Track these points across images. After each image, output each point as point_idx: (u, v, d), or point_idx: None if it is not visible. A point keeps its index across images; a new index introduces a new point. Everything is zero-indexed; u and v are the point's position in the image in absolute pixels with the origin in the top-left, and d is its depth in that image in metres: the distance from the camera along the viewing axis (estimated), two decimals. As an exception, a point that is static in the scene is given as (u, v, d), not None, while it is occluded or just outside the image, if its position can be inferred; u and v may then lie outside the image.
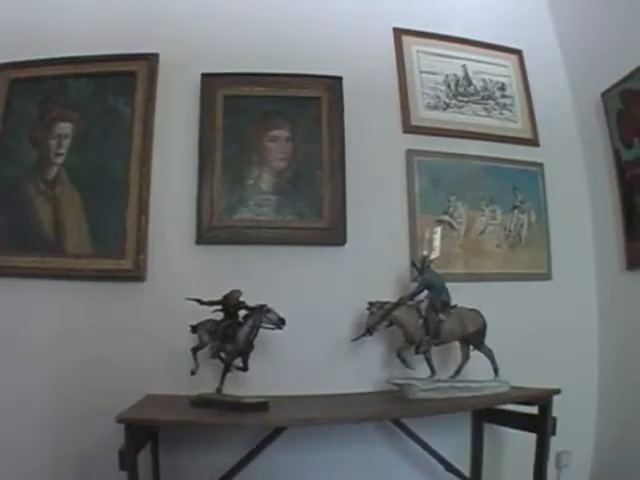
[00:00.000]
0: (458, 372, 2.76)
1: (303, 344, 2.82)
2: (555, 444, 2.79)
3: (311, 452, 2.77)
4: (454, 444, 2.99)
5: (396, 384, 2.63)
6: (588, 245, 3.58)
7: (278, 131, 3.05)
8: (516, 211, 3.41)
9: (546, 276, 3.42)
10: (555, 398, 2.64)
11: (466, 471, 2.98)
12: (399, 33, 3.45)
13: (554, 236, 3.46)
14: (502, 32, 3.69)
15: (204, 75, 3.04)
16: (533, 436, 2.68)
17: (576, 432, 3.19)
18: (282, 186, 3.00)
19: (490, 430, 3.05)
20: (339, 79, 3.15)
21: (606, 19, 3.42)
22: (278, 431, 2.53)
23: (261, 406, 2.33)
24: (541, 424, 2.66)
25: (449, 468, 2.90)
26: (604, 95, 3.39)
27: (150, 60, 2.99)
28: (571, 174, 3.64)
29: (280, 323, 2.47)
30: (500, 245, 3.36)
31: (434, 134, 3.35)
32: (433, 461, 2.89)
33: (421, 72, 3.42)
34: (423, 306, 2.76)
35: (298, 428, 2.57)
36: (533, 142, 3.56)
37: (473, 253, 3.29)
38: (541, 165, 3.52)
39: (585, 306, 3.48)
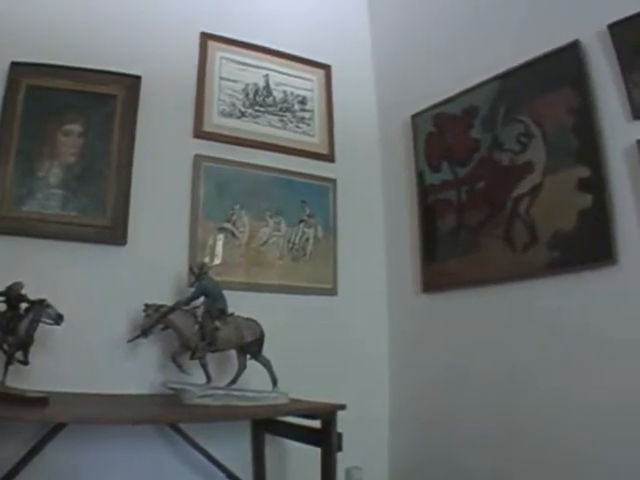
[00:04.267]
0: (234, 381, 3.00)
1: (82, 341, 2.98)
2: (346, 460, 3.14)
3: (93, 452, 2.92)
4: (236, 453, 3.25)
5: (172, 388, 2.85)
6: (380, 264, 4.02)
7: (71, 126, 3.23)
8: (302, 225, 3.77)
9: (331, 291, 3.78)
10: (345, 414, 2.82)
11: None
12: (206, 38, 3.75)
13: (342, 253, 3.85)
14: (316, 46, 4.09)
15: (13, 63, 3.15)
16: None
17: (369, 448, 3.59)
18: (69, 181, 3.18)
19: (275, 441, 3.33)
20: (138, 78, 3.37)
21: (426, 43, 3.89)
22: (59, 427, 2.71)
23: (42, 401, 2.44)
24: (325, 439, 2.83)
25: (230, 476, 3.17)
26: (415, 117, 3.79)
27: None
28: (367, 193, 4.07)
29: (58, 319, 2.67)
30: (282, 257, 3.67)
31: (225, 141, 3.64)
32: (216, 468, 3.15)
33: (221, 79, 3.74)
34: (199, 312, 3.00)
35: (79, 427, 2.75)
36: (328, 157, 3.96)
37: (254, 263, 3.58)
38: (334, 181, 3.91)
39: (375, 324, 3.92)
